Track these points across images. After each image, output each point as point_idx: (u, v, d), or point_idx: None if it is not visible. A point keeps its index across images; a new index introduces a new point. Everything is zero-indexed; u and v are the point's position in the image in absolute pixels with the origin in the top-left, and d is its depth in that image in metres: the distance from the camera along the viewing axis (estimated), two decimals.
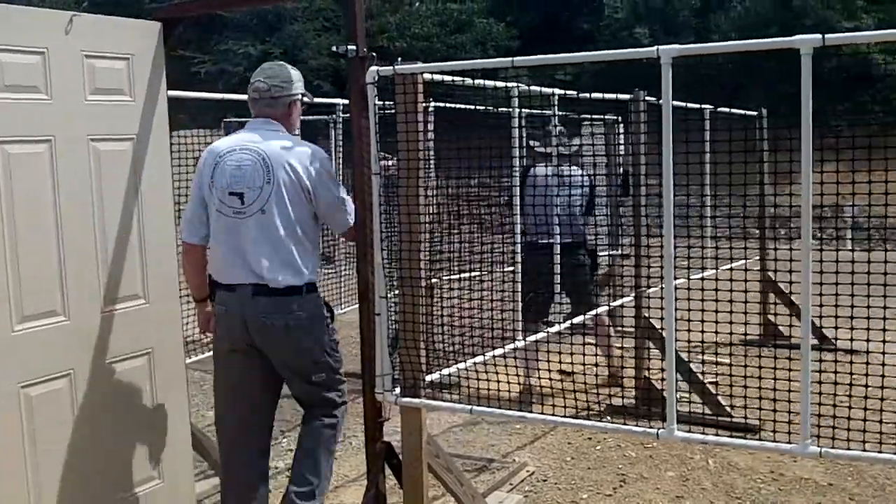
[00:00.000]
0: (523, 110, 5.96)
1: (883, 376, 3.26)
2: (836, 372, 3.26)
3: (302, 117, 4.43)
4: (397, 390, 3.93)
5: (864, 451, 3.14)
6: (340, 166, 8.43)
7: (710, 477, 5.27)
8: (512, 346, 5.14)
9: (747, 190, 4.08)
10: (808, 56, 2.96)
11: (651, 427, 3.48)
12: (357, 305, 4.10)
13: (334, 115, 8.53)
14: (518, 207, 5.66)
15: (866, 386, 3.21)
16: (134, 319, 4.02)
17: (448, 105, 6.36)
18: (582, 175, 6.69)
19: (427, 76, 3.90)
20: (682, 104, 6.69)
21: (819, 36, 2.95)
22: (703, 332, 3.60)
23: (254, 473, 4.00)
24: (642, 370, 6.41)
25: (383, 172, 3.94)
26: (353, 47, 3.75)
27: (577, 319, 6.18)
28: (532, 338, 5.55)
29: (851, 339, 3.39)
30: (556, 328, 5.89)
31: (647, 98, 6.06)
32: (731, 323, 3.57)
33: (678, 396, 4.96)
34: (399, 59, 3.91)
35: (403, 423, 3.99)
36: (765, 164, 8.00)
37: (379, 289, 3.87)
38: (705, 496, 5.02)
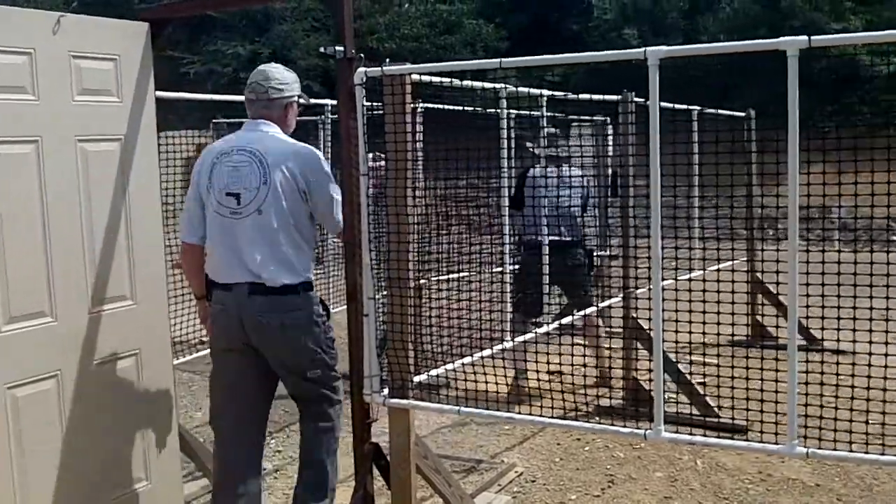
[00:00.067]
0: (512, 111, 5.97)
1: (869, 377, 3.27)
2: (822, 373, 3.27)
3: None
4: (385, 391, 3.93)
5: (851, 451, 3.15)
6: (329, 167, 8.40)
7: (698, 477, 5.29)
8: (500, 346, 5.14)
9: (735, 191, 4.08)
10: (794, 58, 2.97)
11: (639, 428, 3.48)
12: (345, 306, 4.10)
13: (323, 116, 8.52)
14: (507, 209, 5.68)
15: (852, 387, 3.22)
16: (121, 320, 4.01)
17: (437, 106, 6.36)
18: (581, 176, 6.77)
19: (415, 77, 3.90)
20: (671, 105, 6.71)
21: (805, 38, 2.95)
22: (690, 332, 3.61)
23: (247, 472, 4.01)
24: (630, 371, 6.42)
25: (377, 173, 3.94)
26: (342, 48, 3.75)
27: (566, 320, 6.20)
28: (520, 338, 5.56)
29: (838, 340, 3.41)
30: (544, 329, 5.90)
31: (636, 99, 6.07)
32: (718, 324, 3.58)
33: (666, 397, 4.97)
34: (388, 59, 3.92)
35: (391, 424, 3.99)
36: (752, 165, 8.02)
37: (367, 290, 3.87)
38: (693, 497, 5.03)
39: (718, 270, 3.84)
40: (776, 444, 3.24)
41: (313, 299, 4.00)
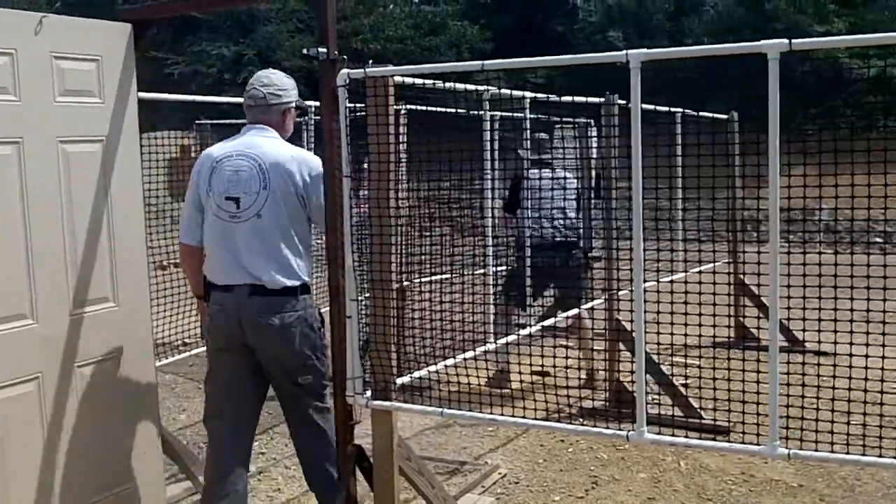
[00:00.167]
0: (496, 113, 5.98)
1: (850, 378, 3.29)
2: (804, 374, 3.28)
3: None
4: (368, 393, 3.92)
5: (833, 452, 3.16)
6: None
7: (681, 478, 5.30)
8: (483, 348, 5.15)
9: (718, 193, 4.10)
10: (775, 61, 2.98)
11: (622, 429, 3.49)
12: (328, 308, 4.10)
13: (306, 117, 8.50)
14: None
15: (834, 388, 3.24)
16: (103, 322, 3.99)
17: (420, 108, 6.36)
18: (575, 178, 6.87)
19: (398, 79, 3.90)
20: (653, 108, 6.73)
21: (786, 41, 2.97)
22: (672, 334, 3.62)
23: (238, 471, 4.02)
24: (614, 372, 6.43)
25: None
26: (324, 50, 3.75)
27: (549, 322, 6.21)
28: (503, 340, 5.57)
29: (819, 341, 3.42)
30: (527, 330, 5.91)
31: (619, 101, 6.08)
32: (700, 325, 3.59)
33: (649, 398, 4.98)
34: (371, 61, 3.92)
35: (374, 426, 3.98)
36: (735, 167, 8.05)
37: (349, 292, 3.87)
38: (677, 497, 5.04)
39: (701, 272, 3.86)
40: (758, 445, 3.26)
41: (311, 302, 4.03)
